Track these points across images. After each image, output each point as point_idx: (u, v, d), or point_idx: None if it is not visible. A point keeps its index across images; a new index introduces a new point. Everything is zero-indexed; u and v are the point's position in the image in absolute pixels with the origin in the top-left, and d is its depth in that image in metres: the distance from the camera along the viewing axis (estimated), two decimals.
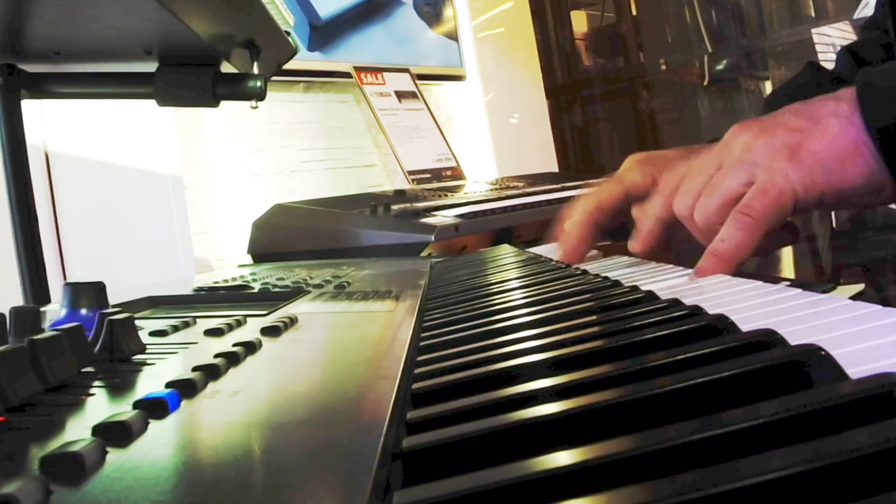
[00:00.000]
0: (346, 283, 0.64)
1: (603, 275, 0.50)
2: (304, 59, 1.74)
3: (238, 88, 0.82)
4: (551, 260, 0.68)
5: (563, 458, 0.17)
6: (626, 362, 0.25)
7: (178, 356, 0.34)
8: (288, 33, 0.87)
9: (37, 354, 0.26)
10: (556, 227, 0.74)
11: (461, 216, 1.21)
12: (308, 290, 0.60)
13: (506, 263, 0.73)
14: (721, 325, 0.28)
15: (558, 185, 1.62)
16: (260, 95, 0.83)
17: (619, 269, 0.57)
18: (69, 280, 0.78)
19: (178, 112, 1.44)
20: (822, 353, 0.21)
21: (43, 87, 0.82)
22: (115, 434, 0.21)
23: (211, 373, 0.28)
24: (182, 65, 0.81)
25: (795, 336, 0.24)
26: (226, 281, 0.70)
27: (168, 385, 0.26)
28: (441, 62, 2.23)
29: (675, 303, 0.34)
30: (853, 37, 2.31)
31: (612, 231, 0.70)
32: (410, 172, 1.80)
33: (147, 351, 0.34)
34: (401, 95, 1.96)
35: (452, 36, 2.28)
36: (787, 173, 0.46)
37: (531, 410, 0.21)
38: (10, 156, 0.80)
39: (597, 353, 0.27)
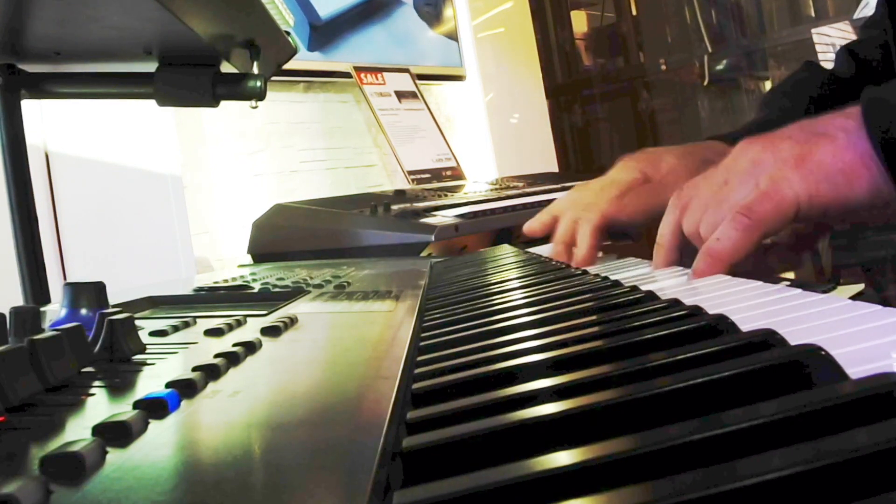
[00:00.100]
0: (346, 283, 0.64)
1: (603, 275, 0.50)
2: (304, 59, 1.74)
3: (238, 88, 0.82)
4: (551, 260, 0.68)
5: (563, 458, 0.17)
6: (626, 362, 0.25)
7: (178, 356, 0.34)
8: (288, 33, 0.87)
9: (37, 354, 0.26)
10: (542, 222, 0.75)
11: (461, 216, 1.21)
12: (308, 290, 0.60)
13: (506, 263, 0.73)
14: (721, 326, 0.28)
15: (558, 185, 1.62)
16: (260, 95, 0.83)
17: (619, 270, 0.57)
18: (69, 280, 0.78)
19: (178, 112, 1.43)
20: (822, 353, 0.21)
21: (43, 87, 0.82)
22: (115, 434, 0.21)
23: (211, 373, 0.28)
24: (182, 65, 0.81)
25: (795, 336, 0.24)
26: (226, 281, 0.70)
27: (168, 385, 0.26)
28: (441, 62, 2.23)
29: (675, 303, 0.34)
30: (853, 37, 2.31)
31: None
32: (410, 172, 1.80)
33: (147, 351, 0.34)
34: (401, 95, 1.96)
35: (452, 36, 2.28)
36: (792, 181, 0.46)
37: (531, 410, 0.21)
38: (10, 156, 0.80)
39: (597, 353, 0.27)
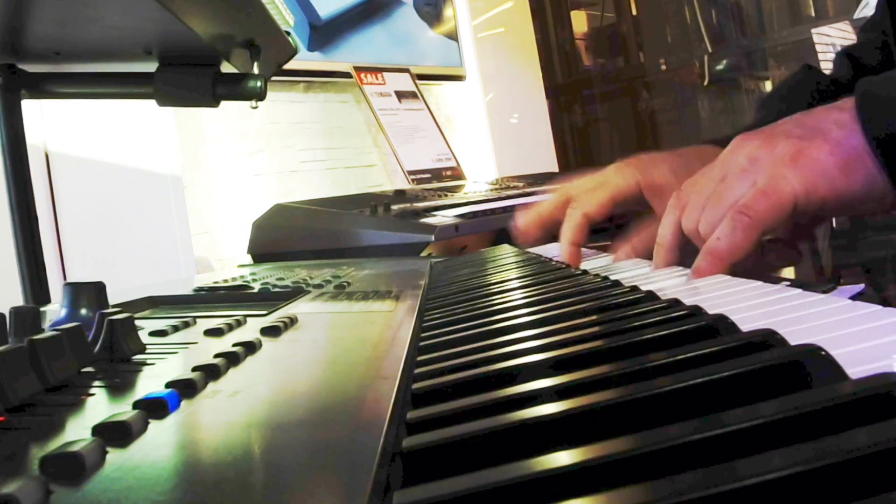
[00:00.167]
0: (346, 283, 0.64)
1: (603, 275, 0.50)
2: (304, 59, 1.74)
3: (238, 88, 0.82)
4: (551, 260, 0.68)
5: (563, 458, 0.17)
6: (626, 362, 0.25)
7: (178, 356, 0.34)
8: (288, 33, 0.87)
9: (37, 354, 0.26)
10: (524, 220, 0.76)
11: (461, 216, 1.21)
12: (308, 290, 0.60)
13: (506, 263, 0.73)
14: (721, 326, 0.28)
15: (558, 186, 1.61)
16: (260, 95, 0.83)
17: (620, 270, 0.57)
18: (69, 280, 0.78)
19: (178, 112, 1.43)
20: (822, 353, 0.21)
21: (43, 87, 0.82)
22: (115, 434, 0.21)
23: (211, 373, 0.28)
24: (182, 65, 0.81)
25: (795, 336, 0.24)
26: (226, 281, 0.70)
27: (168, 385, 0.26)
28: (441, 62, 2.23)
29: (675, 303, 0.34)
30: (853, 37, 2.31)
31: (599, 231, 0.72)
32: (410, 172, 1.80)
33: (147, 351, 0.34)
34: (401, 95, 1.96)
35: (452, 36, 2.28)
36: (789, 177, 0.46)
37: (531, 410, 0.21)
38: (10, 156, 0.80)
39: (597, 353, 0.27)
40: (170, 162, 1.37)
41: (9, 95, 0.79)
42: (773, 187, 0.47)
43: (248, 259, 1.28)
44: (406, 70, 2.04)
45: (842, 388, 0.18)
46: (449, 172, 1.92)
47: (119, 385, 0.28)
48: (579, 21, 3.19)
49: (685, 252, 0.53)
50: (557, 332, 0.33)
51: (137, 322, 0.36)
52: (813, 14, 2.58)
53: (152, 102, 0.84)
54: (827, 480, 0.15)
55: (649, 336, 0.28)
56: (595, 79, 3.11)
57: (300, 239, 1.23)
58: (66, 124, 1.28)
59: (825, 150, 0.47)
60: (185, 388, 0.26)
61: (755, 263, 0.54)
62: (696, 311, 0.32)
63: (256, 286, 0.64)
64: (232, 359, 0.31)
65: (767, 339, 0.24)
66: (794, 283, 0.36)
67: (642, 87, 2.97)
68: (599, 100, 3.10)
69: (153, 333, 0.40)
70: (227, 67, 0.84)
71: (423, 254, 1.09)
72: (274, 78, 0.95)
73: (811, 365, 0.21)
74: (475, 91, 2.37)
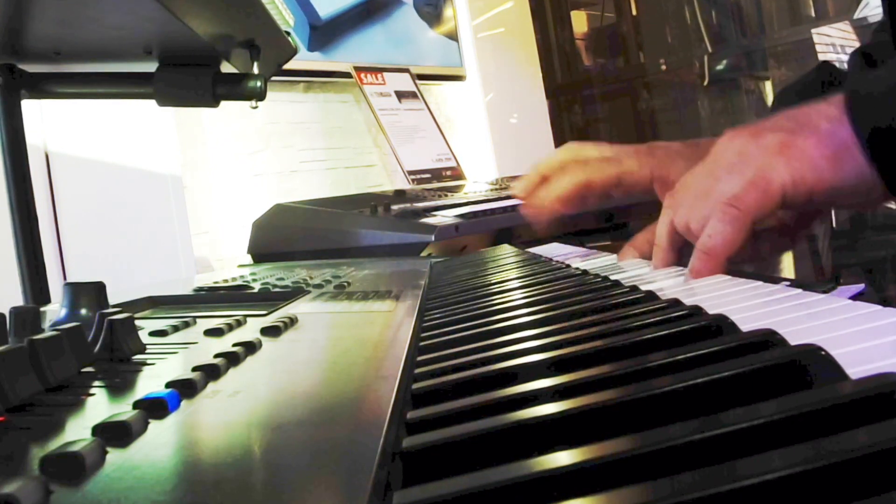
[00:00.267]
0: (346, 283, 0.64)
1: (602, 275, 0.50)
2: (304, 59, 1.74)
3: (238, 88, 0.82)
4: (551, 260, 0.68)
5: (562, 458, 0.17)
6: (626, 362, 0.25)
7: (178, 356, 0.34)
8: (288, 33, 0.87)
9: (37, 354, 0.26)
10: (524, 185, 0.73)
11: (461, 216, 1.21)
12: (308, 290, 0.60)
13: (506, 263, 0.73)
14: (721, 325, 0.28)
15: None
16: (260, 95, 0.83)
17: (620, 270, 0.57)
18: (69, 280, 0.78)
19: (178, 112, 1.43)
20: (822, 353, 0.21)
21: (43, 87, 0.82)
22: (115, 434, 0.21)
23: (211, 373, 0.28)
24: (182, 65, 0.81)
25: (795, 336, 0.24)
26: (226, 281, 0.70)
27: (168, 385, 0.26)
28: (441, 62, 2.23)
29: (675, 303, 0.34)
30: (853, 37, 2.31)
31: (592, 210, 0.70)
32: (410, 172, 1.80)
33: (147, 351, 0.34)
34: (401, 95, 1.96)
35: (452, 36, 2.28)
36: (777, 167, 0.47)
37: (531, 410, 0.21)
38: (10, 156, 0.80)
39: (597, 354, 0.27)
40: (170, 162, 1.37)
41: (9, 95, 0.79)
42: (762, 177, 0.47)
43: (248, 259, 1.28)
44: (406, 70, 2.04)
45: (842, 388, 0.18)
46: (449, 172, 1.92)
47: (119, 385, 0.28)
48: (579, 21, 3.19)
49: (685, 251, 0.53)
50: (557, 332, 0.33)
51: (137, 322, 0.36)
52: (813, 14, 2.58)
53: (152, 102, 0.84)
54: (827, 480, 0.15)
55: (649, 336, 0.28)
56: (595, 79, 3.11)
57: (300, 239, 1.23)
58: (66, 124, 1.28)
59: (813, 141, 0.47)
60: (185, 388, 0.26)
61: (750, 253, 0.54)
62: (696, 311, 0.32)
63: (256, 286, 0.64)
64: (232, 359, 0.31)
65: (768, 339, 0.24)
66: (794, 283, 0.36)
67: (642, 87, 2.97)
68: (599, 100, 3.10)
69: (153, 333, 0.40)
70: (227, 67, 0.84)
71: (423, 254, 1.09)
72: (274, 78, 0.95)
73: (811, 365, 0.21)
74: (475, 91, 2.37)
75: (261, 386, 0.28)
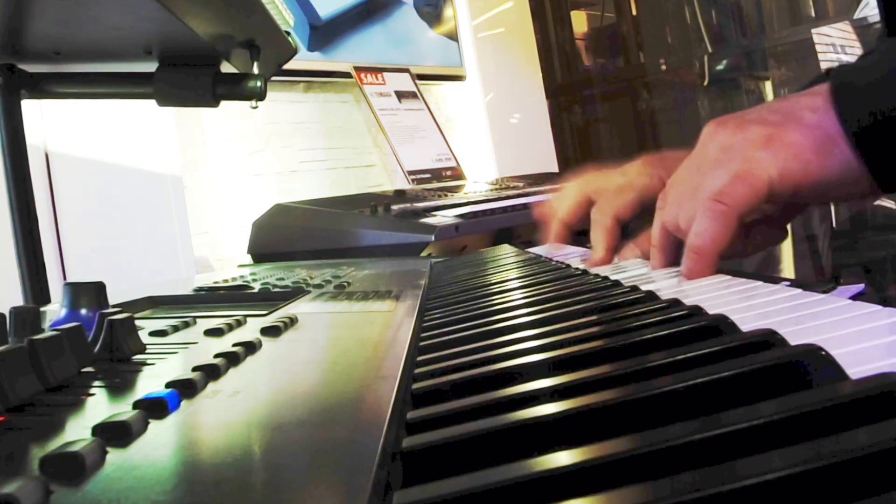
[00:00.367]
0: (346, 283, 0.64)
1: (603, 275, 0.50)
2: (304, 59, 1.74)
3: (238, 88, 0.82)
4: (551, 260, 0.68)
5: (563, 458, 0.17)
6: (626, 362, 0.25)
7: (178, 356, 0.34)
8: (288, 33, 0.87)
9: (37, 354, 0.26)
10: (546, 218, 0.74)
11: (461, 216, 1.21)
12: (308, 290, 0.60)
13: (506, 263, 0.73)
14: (721, 325, 0.28)
15: (558, 185, 1.61)
16: (260, 95, 0.83)
17: (620, 270, 0.57)
18: (69, 280, 0.78)
19: (178, 112, 1.44)
20: (823, 353, 0.21)
21: (43, 87, 0.82)
22: (115, 434, 0.21)
23: (211, 373, 0.28)
24: (182, 65, 0.81)
25: (795, 336, 0.24)
26: (226, 281, 0.70)
27: (168, 385, 0.26)
28: (441, 62, 2.23)
29: (675, 303, 0.34)
30: (853, 37, 2.31)
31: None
32: (410, 172, 1.80)
33: (147, 351, 0.34)
34: (401, 95, 1.96)
35: (452, 36, 2.28)
36: (763, 161, 0.46)
37: (531, 410, 0.21)
38: (10, 156, 0.80)
39: (597, 354, 0.27)
40: (170, 162, 1.37)
41: (9, 95, 0.79)
42: (747, 171, 0.46)
43: (248, 259, 1.28)
44: (406, 70, 2.04)
45: (842, 388, 0.18)
46: (449, 172, 1.92)
47: (119, 385, 0.28)
48: (579, 21, 3.19)
49: (682, 250, 0.53)
50: (557, 332, 0.33)
51: (137, 322, 0.36)
52: (813, 14, 2.58)
53: (152, 102, 0.84)
54: (827, 480, 0.15)
55: (649, 336, 0.28)
56: (595, 79, 3.11)
57: (300, 239, 1.23)
58: (66, 124, 1.28)
59: (799, 133, 0.46)
60: (185, 388, 0.26)
61: (743, 247, 0.54)
62: (696, 311, 0.32)
63: (256, 286, 0.64)
64: (232, 359, 0.31)
65: (768, 339, 0.24)
66: (794, 283, 0.36)
67: (642, 87, 2.97)
68: (599, 100, 3.10)
69: (153, 333, 0.40)
70: (227, 67, 0.84)
71: (423, 254, 1.09)
72: (274, 78, 0.95)
73: (811, 365, 0.21)
74: (475, 91, 2.37)
75: (261, 386, 0.28)
